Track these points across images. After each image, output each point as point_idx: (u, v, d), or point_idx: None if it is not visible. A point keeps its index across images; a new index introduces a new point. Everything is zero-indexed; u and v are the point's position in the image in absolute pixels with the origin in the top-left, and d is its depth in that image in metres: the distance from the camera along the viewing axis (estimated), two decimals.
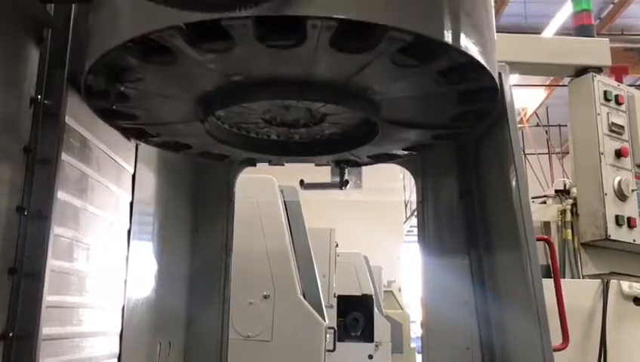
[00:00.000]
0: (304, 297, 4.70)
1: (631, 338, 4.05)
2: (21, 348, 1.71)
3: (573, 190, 4.93)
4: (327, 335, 4.90)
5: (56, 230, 1.89)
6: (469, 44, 1.64)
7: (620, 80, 5.31)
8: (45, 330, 1.80)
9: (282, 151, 2.42)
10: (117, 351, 2.46)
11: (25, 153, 1.84)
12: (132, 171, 2.64)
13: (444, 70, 1.74)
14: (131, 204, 2.62)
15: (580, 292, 4.08)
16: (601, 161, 3.12)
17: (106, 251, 2.40)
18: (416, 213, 3.44)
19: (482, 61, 1.68)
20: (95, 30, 1.80)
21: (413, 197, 12.66)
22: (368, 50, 1.60)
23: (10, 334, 1.70)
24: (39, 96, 1.89)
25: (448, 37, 1.59)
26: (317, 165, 2.77)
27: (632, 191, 3.14)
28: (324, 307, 5.04)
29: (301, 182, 3.33)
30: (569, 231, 5.05)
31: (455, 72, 1.75)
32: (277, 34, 1.55)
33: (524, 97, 14.40)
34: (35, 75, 1.89)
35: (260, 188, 4.68)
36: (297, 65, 1.72)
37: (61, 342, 2.03)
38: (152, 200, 2.91)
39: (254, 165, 2.87)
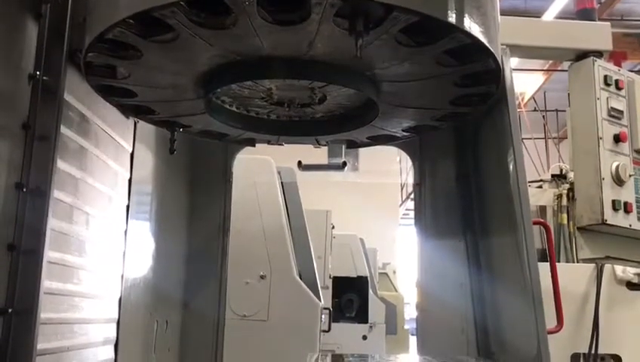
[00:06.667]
0: (300, 278, 4.73)
1: (623, 321, 4.10)
2: (20, 323, 1.72)
3: (570, 175, 4.94)
4: (323, 316, 4.93)
5: (54, 205, 1.89)
6: (472, 25, 1.63)
7: (618, 65, 5.30)
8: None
9: (281, 130, 2.41)
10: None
11: (24, 130, 1.83)
12: (130, 150, 2.63)
13: (448, 51, 1.74)
14: (129, 181, 2.62)
15: (574, 276, 4.12)
16: (599, 146, 3.11)
17: (104, 225, 2.40)
18: (412, 196, 3.44)
19: (486, 42, 1.67)
20: (95, 6, 1.78)
21: (410, 180, 12.70)
22: (372, 29, 1.59)
23: (10, 310, 1.71)
24: (38, 73, 1.87)
25: (452, 17, 1.58)
26: (315, 147, 2.76)
27: (630, 176, 3.14)
28: (319, 288, 5.07)
29: (299, 163, 3.32)
30: (565, 215, 5.07)
31: (458, 53, 1.74)
32: (280, 10, 1.53)
33: (522, 82, 14.36)
34: (33, 52, 1.87)
35: (258, 168, 4.67)
36: (300, 44, 1.71)
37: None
38: (150, 180, 2.91)
39: (253, 145, 2.86)
